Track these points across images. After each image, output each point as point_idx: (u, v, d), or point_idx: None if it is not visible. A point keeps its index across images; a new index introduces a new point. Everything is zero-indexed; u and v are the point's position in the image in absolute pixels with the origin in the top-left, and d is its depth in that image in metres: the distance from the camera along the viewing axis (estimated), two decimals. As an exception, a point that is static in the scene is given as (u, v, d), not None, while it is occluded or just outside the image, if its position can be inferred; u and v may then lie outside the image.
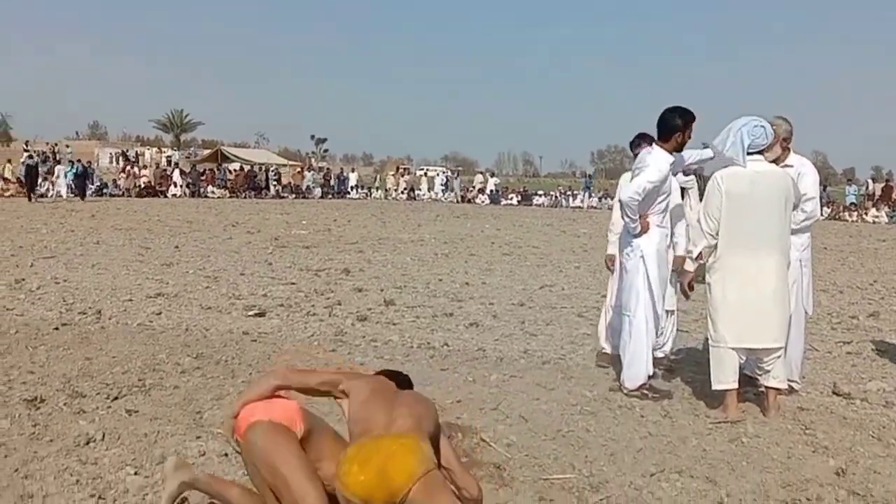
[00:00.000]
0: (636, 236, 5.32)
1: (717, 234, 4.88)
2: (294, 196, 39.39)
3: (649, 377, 5.40)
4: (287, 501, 2.95)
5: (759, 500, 3.81)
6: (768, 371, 4.91)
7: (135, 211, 24.29)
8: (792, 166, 5.40)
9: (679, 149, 5.29)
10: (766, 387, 4.99)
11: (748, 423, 4.84)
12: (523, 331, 7.80)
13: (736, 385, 4.92)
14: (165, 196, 34.15)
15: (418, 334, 7.49)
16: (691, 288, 5.16)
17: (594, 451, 4.40)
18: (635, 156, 6.31)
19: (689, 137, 5.28)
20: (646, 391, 5.35)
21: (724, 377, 4.88)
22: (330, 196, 41.12)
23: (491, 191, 43.04)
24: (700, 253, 4.99)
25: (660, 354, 6.00)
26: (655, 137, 5.42)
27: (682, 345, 7.13)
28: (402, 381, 3.63)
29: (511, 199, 43.22)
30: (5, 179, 31.60)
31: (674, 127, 5.24)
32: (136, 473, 3.91)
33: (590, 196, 42.38)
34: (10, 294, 8.64)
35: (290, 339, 7.11)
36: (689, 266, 5.06)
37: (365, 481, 2.85)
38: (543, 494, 3.84)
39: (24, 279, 9.67)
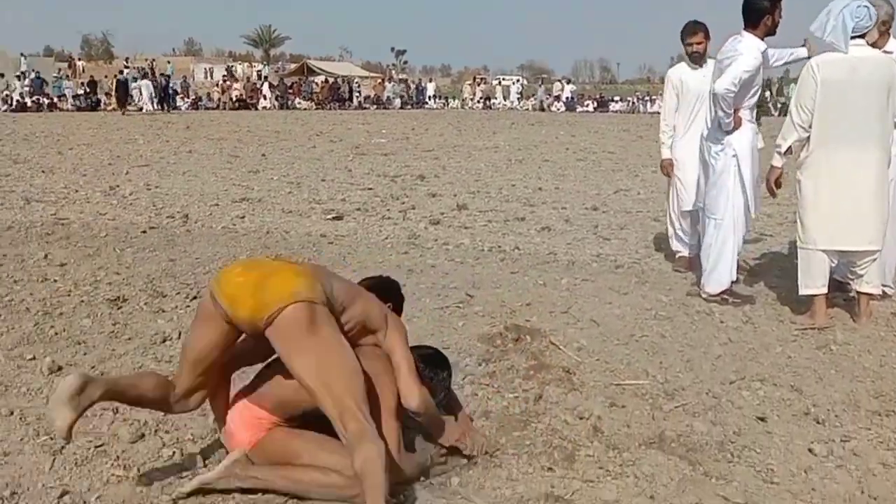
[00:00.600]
0: (728, 133, 4.75)
1: (810, 126, 4.29)
2: (375, 107, 39.01)
3: (732, 282, 4.94)
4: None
5: (849, 410, 3.40)
6: (861, 275, 4.38)
7: (227, 122, 24.40)
8: (891, 52, 4.69)
9: (771, 32, 4.64)
10: (858, 292, 4.48)
11: (837, 330, 4.36)
12: (596, 235, 7.37)
13: (825, 290, 4.42)
14: (256, 108, 34.26)
15: (490, 238, 7.16)
16: (778, 186, 4.60)
17: (669, 358, 4.04)
18: (686, 46, 5.69)
19: (780, 18, 4.59)
20: (726, 296, 4.90)
21: (813, 281, 4.38)
22: (409, 106, 40.58)
23: (567, 98, 41.65)
24: (789, 147, 4.41)
25: None
26: (743, 25, 4.77)
27: (765, 249, 6.60)
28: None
29: (587, 105, 41.82)
30: (108, 94, 32.17)
31: (761, 9, 4.58)
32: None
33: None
34: (104, 200, 8.64)
35: (365, 242, 6.88)
36: (777, 162, 4.50)
37: (241, 283, 2.47)
38: (615, 400, 3.51)
39: (118, 186, 9.69)
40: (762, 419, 3.29)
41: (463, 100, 43.62)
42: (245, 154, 14.47)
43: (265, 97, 35.70)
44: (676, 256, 5.93)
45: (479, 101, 42.83)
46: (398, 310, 3.08)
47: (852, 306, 4.64)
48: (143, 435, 3.08)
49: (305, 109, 35.53)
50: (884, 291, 4.74)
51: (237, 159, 13.52)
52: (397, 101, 40.62)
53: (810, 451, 2.99)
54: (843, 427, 3.20)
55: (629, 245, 6.89)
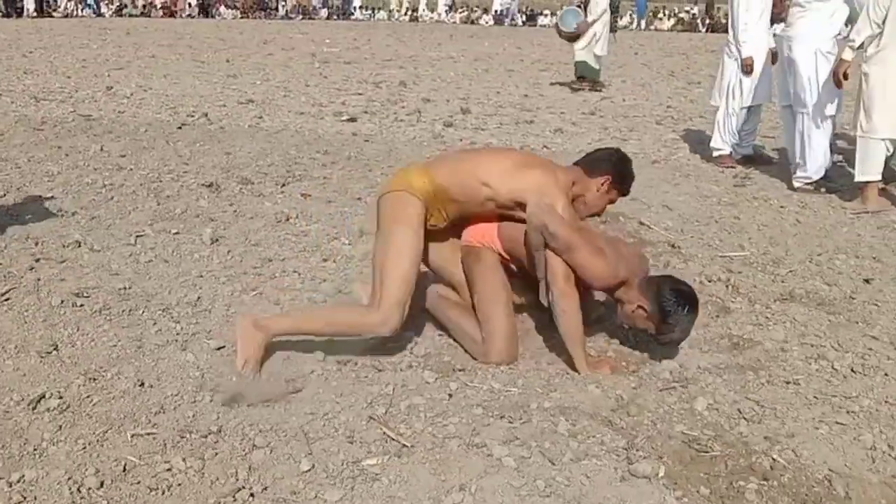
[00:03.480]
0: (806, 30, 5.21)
1: (884, 23, 4.69)
2: (301, 17, 37.77)
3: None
4: None
5: None
6: (912, 161, 4.93)
7: (162, 29, 23.29)
8: None
9: None
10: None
11: (891, 213, 4.91)
12: (610, 137, 7.70)
13: (879, 177, 4.94)
14: (180, 16, 32.68)
15: (513, 138, 7.41)
16: (846, 77, 4.98)
17: (753, 235, 4.48)
18: None
19: None
20: (820, 184, 5.39)
21: (870, 169, 4.87)
22: (335, 17, 39.48)
23: (496, 11, 41.37)
24: (861, 43, 4.81)
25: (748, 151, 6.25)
26: None
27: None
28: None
29: (515, 20, 41.67)
30: None
31: None
32: (348, 244, 3.99)
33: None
34: (111, 100, 8.42)
35: (399, 140, 7.05)
36: (848, 55, 4.88)
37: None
38: (730, 267, 3.94)
39: (112, 87, 9.41)
40: (868, 281, 3.78)
41: (390, 11, 42.78)
42: (208, 60, 14.04)
43: (189, 5, 34.05)
44: (715, 154, 6.33)
45: (406, 13, 42.11)
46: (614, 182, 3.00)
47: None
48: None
49: (232, 18, 34.12)
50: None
51: (205, 64, 13.17)
52: (324, 12, 39.41)
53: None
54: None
55: (647, 145, 7.25)
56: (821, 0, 5.17)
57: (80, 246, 3.66)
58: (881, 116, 4.76)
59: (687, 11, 38.09)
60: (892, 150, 4.97)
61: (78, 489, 1.96)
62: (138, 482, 1.99)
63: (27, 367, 2.56)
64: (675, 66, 16.03)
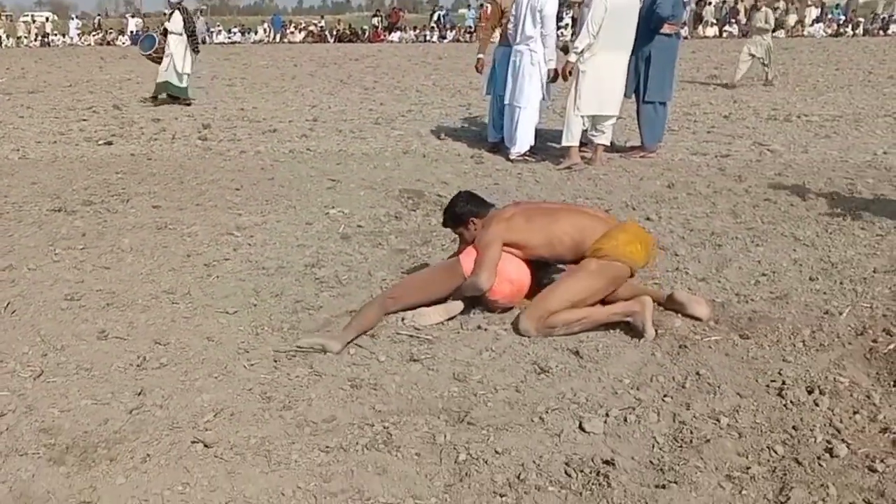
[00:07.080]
0: (534, 49, 6.76)
1: (598, 34, 6.27)
2: None
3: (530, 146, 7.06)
4: None
5: (634, 201, 5.55)
6: (603, 132, 6.71)
7: None
8: None
9: None
10: (596, 144, 6.78)
11: (590, 168, 6.66)
12: (352, 137, 8.53)
13: (578, 142, 6.68)
14: None
15: (271, 145, 8.00)
16: (571, 74, 6.55)
17: (516, 194, 5.85)
18: None
19: None
20: (527, 156, 7.01)
21: (573, 136, 6.59)
22: (-47, 49, 34.70)
23: (132, 32, 39.77)
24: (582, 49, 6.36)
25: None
26: None
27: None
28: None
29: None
30: None
31: None
32: (240, 236, 4.59)
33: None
34: None
35: (178, 157, 7.33)
36: (572, 58, 6.45)
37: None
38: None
39: None
40: (607, 211, 5.35)
41: (18, 37, 38.81)
42: None
43: None
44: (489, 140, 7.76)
45: (35, 39, 38.73)
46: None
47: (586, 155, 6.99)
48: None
49: None
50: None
51: None
52: (-67, 45, 34.45)
53: (648, 218, 5.14)
54: (648, 207, 5.42)
55: (384, 142, 8.19)
56: (541, 26, 6.74)
57: (14, 268, 3.81)
58: (589, 100, 6.48)
59: (315, 24, 40.19)
60: (588, 125, 6.74)
61: (249, 386, 2.59)
62: (288, 382, 2.68)
63: (100, 348, 2.98)
64: (339, 75, 17.28)
